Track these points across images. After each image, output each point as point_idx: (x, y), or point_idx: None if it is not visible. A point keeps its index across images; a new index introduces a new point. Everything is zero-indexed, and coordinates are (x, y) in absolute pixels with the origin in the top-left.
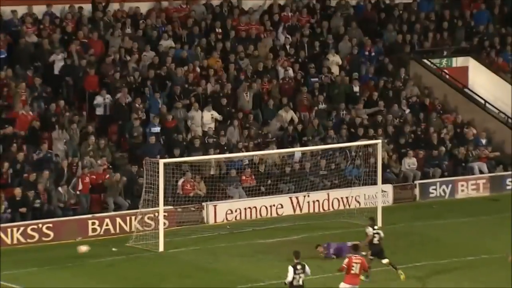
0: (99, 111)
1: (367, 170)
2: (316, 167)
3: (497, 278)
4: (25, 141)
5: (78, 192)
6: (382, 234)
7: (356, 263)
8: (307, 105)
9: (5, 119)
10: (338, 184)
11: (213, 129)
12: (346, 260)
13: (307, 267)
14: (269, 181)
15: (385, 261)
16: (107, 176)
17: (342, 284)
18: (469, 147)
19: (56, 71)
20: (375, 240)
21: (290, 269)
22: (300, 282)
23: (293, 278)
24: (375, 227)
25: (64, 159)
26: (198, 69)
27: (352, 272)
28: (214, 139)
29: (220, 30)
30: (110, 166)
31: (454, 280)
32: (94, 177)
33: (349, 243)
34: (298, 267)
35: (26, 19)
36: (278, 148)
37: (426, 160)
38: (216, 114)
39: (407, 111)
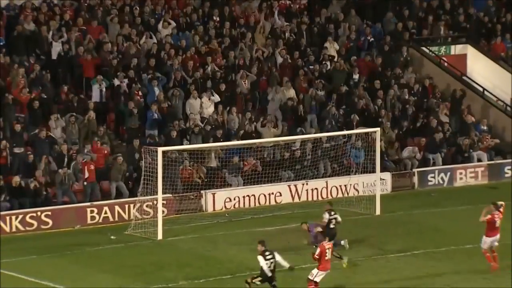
0: (96, 98)
1: (367, 153)
2: (317, 144)
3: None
4: (24, 120)
5: (85, 183)
6: (339, 219)
7: (328, 249)
8: (306, 87)
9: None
10: (338, 170)
11: (212, 116)
12: (318, 250)
13: (275, 253)
14: (272, 167)
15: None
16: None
17: (315, 271)
18: (472, 134)
19: (54, 57)
20: (331, 225)
21: (260, 258)
22: (272, 267)
23: (265, 264)
24: (332, 213)
25: (63, 144)
26: (196, 57)
27: (326, 258)
28: (213, 126)
29: (218, 18)
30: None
31: (452, 268)
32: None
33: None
34: (267, 253)
35: (25, 5)
36: (276, 124)
37: (427, 147)
38: (213, 97)
39: (407, 97)
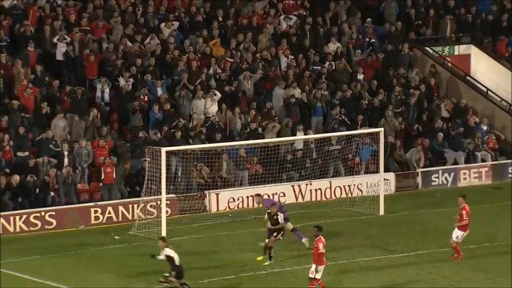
0: (99, 98)
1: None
2: (325, 144)
3: (497, 266)
4: (29, 121)
5: (100, 184)
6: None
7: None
8: (310, 87)
9: (7, 102)
10: (344, 170)
11: (216, 116)
12: (321, 245)
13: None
14: (277, 168)
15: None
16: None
17: (315, 267)
18: (476, 136)
19: (58, 58)
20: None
21: (169, 250)
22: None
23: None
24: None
25: (66, 143)
26: (200, 57)
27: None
28: (216, 126)
29: (221, 19)
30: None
31: (455, 268)
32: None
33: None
34: (169, 248)
35: (28, 5)
36: (279, 120)
37: (430, 148)
38: (216, 96)
39: (411, 98)
